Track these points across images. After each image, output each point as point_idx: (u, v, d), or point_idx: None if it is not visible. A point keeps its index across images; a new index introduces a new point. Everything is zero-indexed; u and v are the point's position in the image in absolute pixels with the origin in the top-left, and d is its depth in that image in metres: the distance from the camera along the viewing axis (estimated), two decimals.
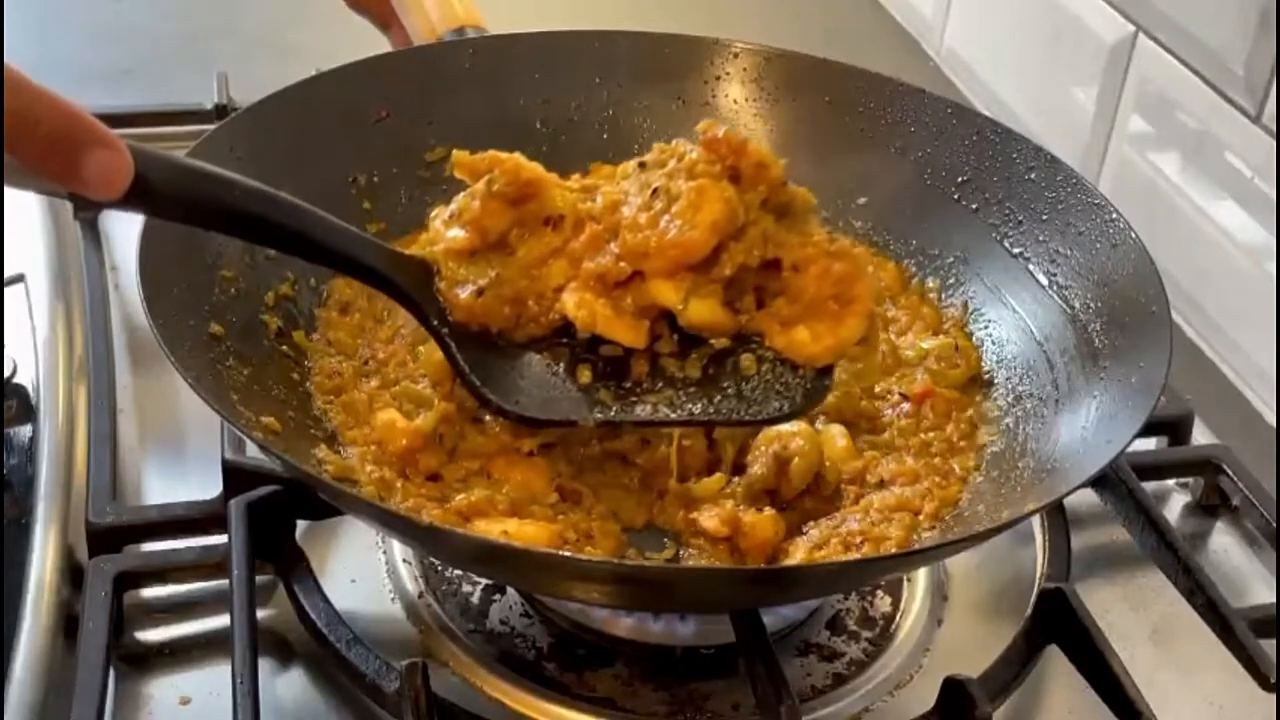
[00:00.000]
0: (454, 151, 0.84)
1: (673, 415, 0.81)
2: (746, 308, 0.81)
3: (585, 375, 0.82)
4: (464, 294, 0.81)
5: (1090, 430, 0.79)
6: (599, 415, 0.81)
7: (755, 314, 0.81)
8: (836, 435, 0.85)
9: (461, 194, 0.84)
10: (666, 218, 0.79)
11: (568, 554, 0.74)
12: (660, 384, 0.81)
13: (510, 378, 0.82)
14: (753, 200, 0.79)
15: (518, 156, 0.83)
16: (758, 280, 0.81)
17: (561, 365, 0.83)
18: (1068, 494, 0.75)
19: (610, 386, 0.82)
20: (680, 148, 0.81)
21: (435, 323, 0.82)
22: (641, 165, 0.82)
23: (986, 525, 0.75)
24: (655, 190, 0.80)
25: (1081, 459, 0.77)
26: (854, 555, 0.78)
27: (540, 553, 0.73)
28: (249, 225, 0.76)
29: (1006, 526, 0.74)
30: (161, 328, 0.74)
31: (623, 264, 0.80)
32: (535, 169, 0.83)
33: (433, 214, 0.85)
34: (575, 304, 0.81)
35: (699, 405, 0.81)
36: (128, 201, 0.67)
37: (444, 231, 0.83)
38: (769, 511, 0.80)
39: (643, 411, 0.81)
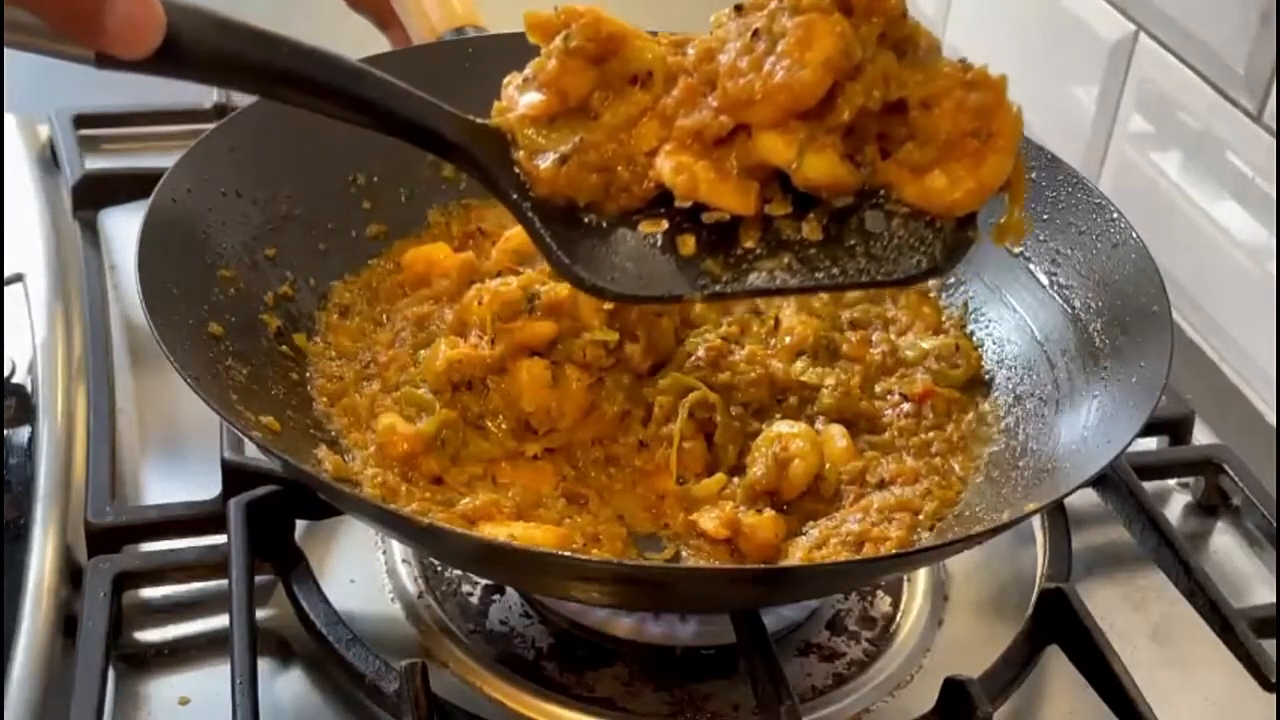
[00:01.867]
0: (525, 11, 0.76)
1: (793, 281, 0.72)
2: (869, 159, 0.72)
3: (688, 246, 0.73)
4: (545, 164, 0.74)
5: (1090, 430, 0.79)
6: (706, 287, 0.73)
7: (880, 165, 0.72)
8: (837, 436, 0.84)
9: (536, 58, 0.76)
10: (771, 59, 0.69)
11: (567, 554, 0.74)
12: (776, 249, 0.72)
13: (602, 254, 0.73)
14: (869, 34, 0.70)
15: (596, 8, 0.75)
16: (880, 127, 0.72)
17: (660, 237, 0.74)
18: (1068, 494, 0.74)
19: (718, 256, 0.73)
20: None
21: (515, 197, 0.74)
22: (739, 8, 0.72)
23: (986, 525, 0.75)
24: (756, 32, 0.70)
25: (1082, 459, 0.77)
26: (854, 555, 0.78)
27: (539, 553, 0.73)
28: (300, 88, 0.69)
29: (1006, 527, 0.73)
30: (161, 328, 0.74)
31: (723, 117, 0.71)
32: (617, 22, 0.75)
33: (505, 81, 0.78)
34: (672, 169, 0.73)
35: (823, 269, 0.72)
36: (160, 61, 0.61)
37: (518, 97, 0.76)
38: (769, 513, 0.80)
39: (757, 280, 0.72)
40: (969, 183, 0.71)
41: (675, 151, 0.73)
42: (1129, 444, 0.73)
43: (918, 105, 0.71)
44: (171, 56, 0.62)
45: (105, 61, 0.60)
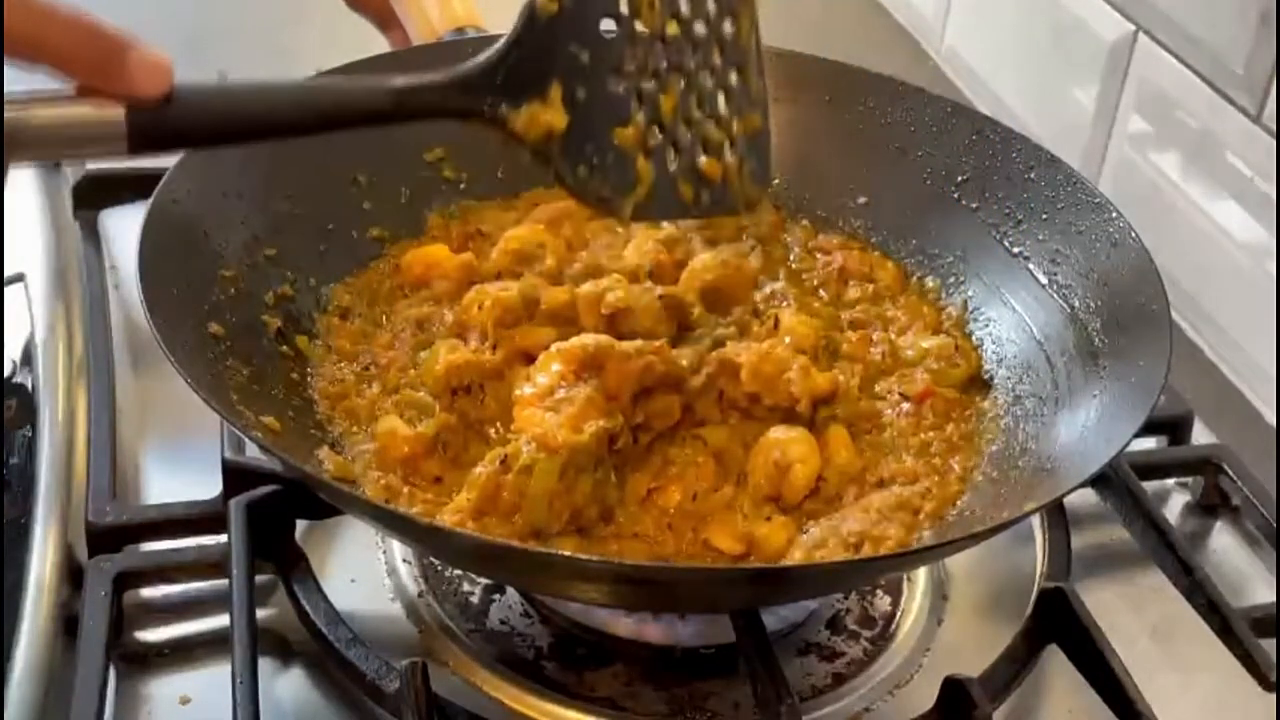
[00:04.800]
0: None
1: None
2: None
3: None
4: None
5: (1090, 430, 0.79)
6: None
7: None
8: (838, 440, 0.84)
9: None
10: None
11: (567, 554, 0.74)
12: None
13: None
14: None
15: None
16: None
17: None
18: (1067, 493, 0.75)
19: None
20: None
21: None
22: None
23: (986, 525, 0.75)
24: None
25: (1081, 458, 0.77)
26: (853, 555, 0.78)
27: (540, 552, 0.73)
28: (281, 130, 0.75)
29: (1006, 526, 0.73)
30: (161, 328, 0.74)
31: None
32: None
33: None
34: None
35: None
36: (164, 115, 0.67)
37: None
38: (779, 519, 0.79)
39: None
40: None
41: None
42: (1128, 443, 0.73)
43: None
44: (181, 111, 0.68)
45: (137, 142, 0.66)
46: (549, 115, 0.74)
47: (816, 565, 0.76)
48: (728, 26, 0.77)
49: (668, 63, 0.76)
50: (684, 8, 0.76)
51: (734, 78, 0.78)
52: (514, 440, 0.79)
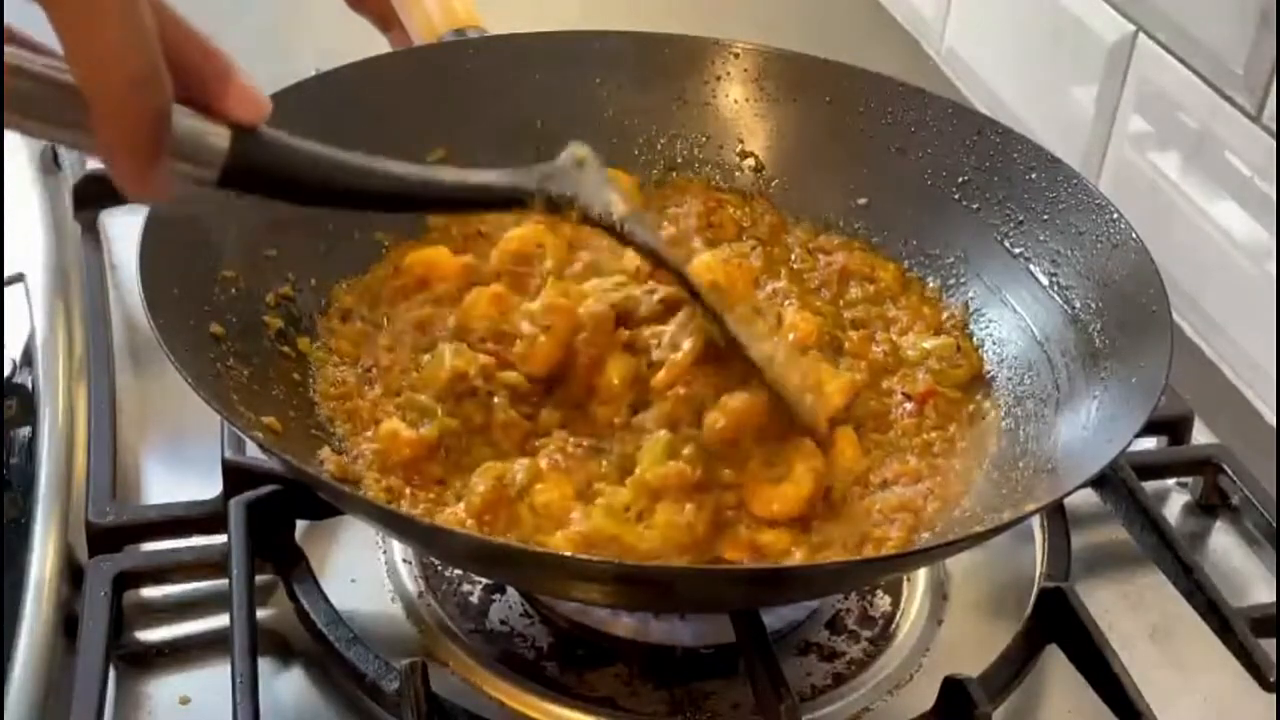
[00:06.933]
0: None
1: None
2: None
3: None
4: None
5: (1091, 430, 0.79)
6: None
7: None
8: (845, 440, 0.84)
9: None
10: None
11: (568, 554, 0.74)
12: None
13: None
14: None
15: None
16: None
17: None
18: (1068, 494, 0.75)
19: None
20: None
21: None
22: None
23: (987, 525, 0.75)
24: None
25: (1082, 459, 0.77)
26: (854, 555, 0.78)
27: (539, 552, 0.73)
28: (361, 204, 0.78)
29: (1007, 527, 0.73)
30: (162, 328, 0.74)
31: None
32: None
33: None
34: None
35: None
36: (258, 151, 0.67)
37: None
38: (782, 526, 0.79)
39: None
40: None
41: None
42: (1129, 444, 0.73)
43: None
44: (273, 154, 0.69)
45: (230, 169, 0.67)
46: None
47: (818, 566, 0.76)
48: None
49: None
50: None
51: None
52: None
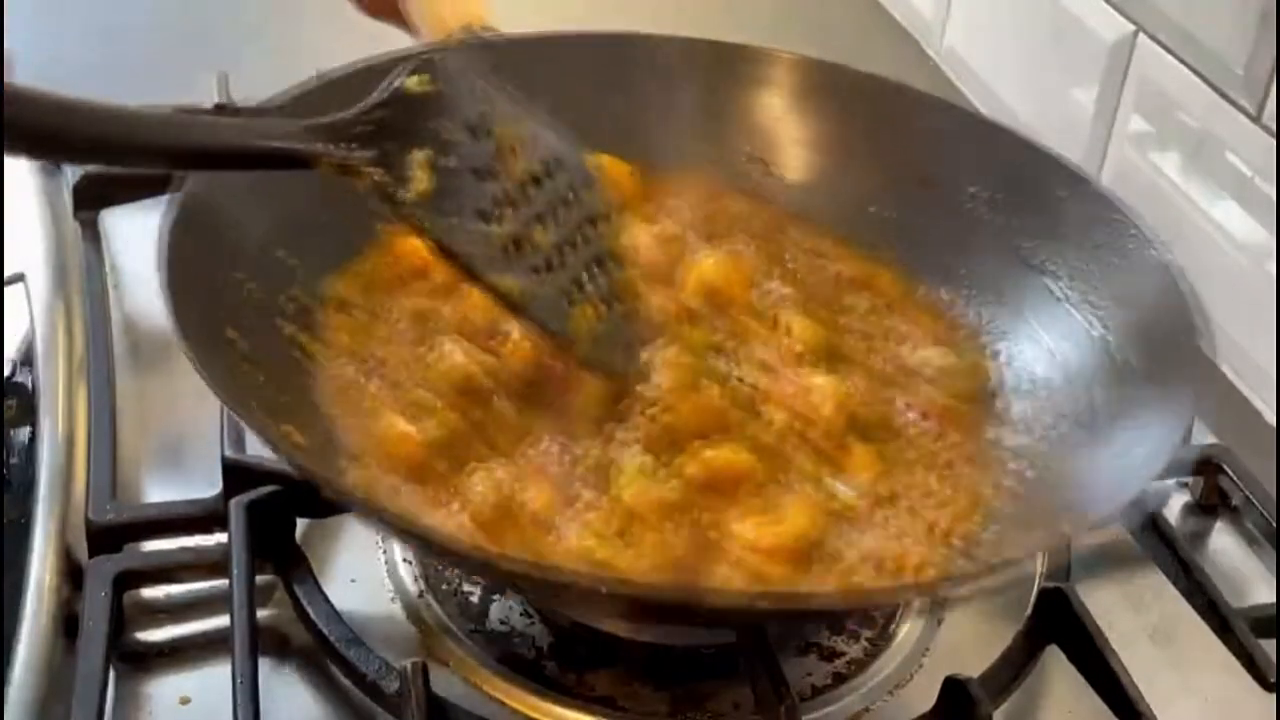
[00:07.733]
0: None
1: None
2: None
3: None
4: None
5: (1117, 455, 0.78)
6: None
7: None
8: (860, 454, 0.83)
9: None
10: None
11: (583, 570, 0.72)
12: None
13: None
14: None
15: None
16: None
17: None
18: (1104, 522, 0.73)
19: None
20: None
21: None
22: None
23: (1021, 551, 0.75)
24: None
25: (1108, 485, 0.76)
26: (876, 576, 0.76)
27: (552, 567, 0.72)
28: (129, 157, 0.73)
29: (1042, 550, 0.72)
30: (188, 338, 0.71)
31: None
32: None
33: None
34: None
35: None
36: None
37: None
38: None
39: None
40: None
41: None
42: (1161, 470, 0.73)
43: None
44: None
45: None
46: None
47: (847, 591, 0.75)
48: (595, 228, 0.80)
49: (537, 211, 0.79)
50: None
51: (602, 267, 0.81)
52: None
